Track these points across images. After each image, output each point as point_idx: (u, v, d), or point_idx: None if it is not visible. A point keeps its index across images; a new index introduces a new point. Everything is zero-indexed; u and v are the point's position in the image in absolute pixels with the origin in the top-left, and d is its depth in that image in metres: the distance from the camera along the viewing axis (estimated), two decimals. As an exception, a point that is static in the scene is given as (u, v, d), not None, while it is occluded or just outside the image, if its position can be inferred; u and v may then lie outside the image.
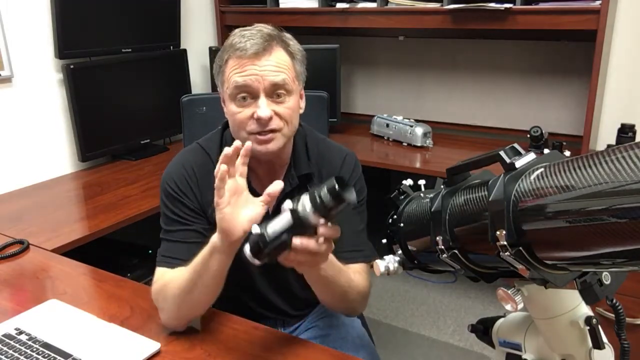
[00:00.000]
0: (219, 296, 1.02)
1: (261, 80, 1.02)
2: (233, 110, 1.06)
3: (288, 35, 1.11)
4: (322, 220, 0.81)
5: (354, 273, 1.08)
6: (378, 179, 2.77)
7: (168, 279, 1.05)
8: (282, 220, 0.83)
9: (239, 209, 0.91)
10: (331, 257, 0.95)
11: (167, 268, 1.09)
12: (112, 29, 2.33)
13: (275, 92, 1.04)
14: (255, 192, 1.16)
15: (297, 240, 0.82)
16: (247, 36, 1.03)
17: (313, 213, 0.80)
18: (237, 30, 1.07)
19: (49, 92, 2.19)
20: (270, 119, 1.03)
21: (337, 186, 0.79)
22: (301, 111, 1.14)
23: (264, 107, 1.02)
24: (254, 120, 1.04)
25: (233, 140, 1.15)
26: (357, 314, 1.26)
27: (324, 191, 0.79)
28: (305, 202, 0.81)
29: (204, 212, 1.15)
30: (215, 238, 0.94)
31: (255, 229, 0.83)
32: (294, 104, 1.08)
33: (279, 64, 1.04)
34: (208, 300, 1.04)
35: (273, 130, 1.05)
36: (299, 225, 0.82)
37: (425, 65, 2.77)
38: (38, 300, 1.21)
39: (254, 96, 1.04)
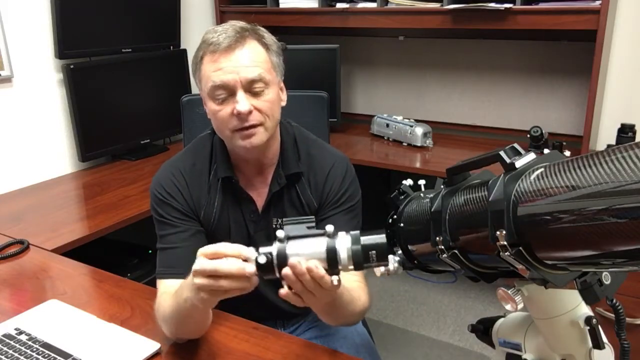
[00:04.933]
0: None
1: (237, 77, 1.02)
2: (213, 109, 1.06)
3: (262, 29, 1.10)
4: (351, 267, 0.78)
5: (355, 290, 1.04)
6: (378, 179, 2.78)
7: (160, 301, 1.03)
8: (313, 247, 0.78)
9: None
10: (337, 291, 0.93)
11: (165, 279, 1.08)
12: (112, 29, 2.33)
13: (252, 85, 1.04)
14: (242, 191, 1.16)
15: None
16: (219, 31, 1.04)
17: (349, 259, 0.77)
18: (210, 28, 1.08)
19: (49, 92, 2.19)
20: (250, 113, 1.03)
21: (387, 245, 0.77)
22: (283, 104, 1.14)
23: (242, 102, 1.02)
24: (235, 116, 1.04)
25: (223, 142, 1.15)
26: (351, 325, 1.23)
27: (372, 246, 0.77)
28: (346, 244, 0.77)
29: (196, 215, 1.15)
30: (190, 294, 0.87)
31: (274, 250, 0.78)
32: (273, 97, 1.07)
33: (254, 58, 1.04)
34: (201, 328, 1.03)
35: (254, 125, 1.05)
36: (330, 265, 0.78)
37: (425, 65, 2.77)
38: (38, 300, 1.21)
39: (232, 93, 1.03)
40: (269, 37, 1.10)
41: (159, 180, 1.15)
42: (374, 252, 0.76)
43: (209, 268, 0.80)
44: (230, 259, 0.80)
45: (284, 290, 0.80)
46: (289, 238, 0.78)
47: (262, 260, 0.77)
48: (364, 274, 1.11)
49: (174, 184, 1.14)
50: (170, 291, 1.02)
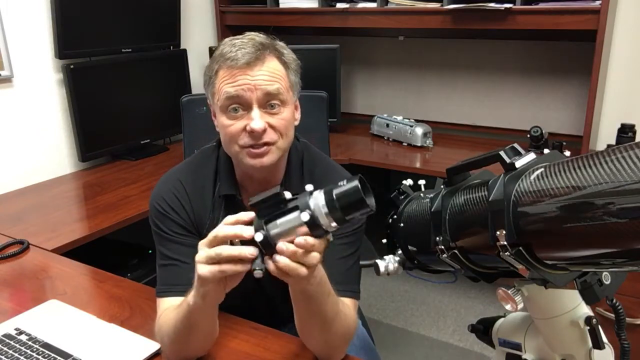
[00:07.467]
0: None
1: (254, 90, 0.97)
2: (224, 123, 1.00)
3: (282, 44, 1.05)
4: (334, 224, 0.73)
5: (343, 304, 0.97)
6: (378, 179, 2.78)
7: (161, 321, 0.98)
8: (291, 223, 0.74)
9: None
10: (323, 274, 0.87)
11: (167, 297, 1.03)
12: (112, 29, 2.33)
13: (268, 102, 0.99)
14: (246, 209, 1.10)
15: (300, 239, 0.74)
16: (238, 45, 0.98)
17: (327, 217, 0.72)
18: (227, 39, 1.02)
19: (49, 92, 2.19)
20: (264, 131, 0.98)
21: (360, 189, 0.70)
22: (296, 123, 1.09)
23: (257, 119, 0.97)
24: (247, 133, 0.99)
25: (229, 157, 1.09)
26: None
27: (345, 193, 0.71)
28: (319, 202, 0.72)
29: (198, 232, 1.09)
30: (194, 296, 0.86)
31: (259, 237, 0.75)
32: (288, 115, 1.02)
33: (273, 74, 0.99)
34: (208, 339, 0.99)
35: (267, 143, 1.00)
36: (312, 229, 0.73)
37: (425, 65, 2.77)
38: (38, 300, 1.21)
39: (246, 107, 0.98)
40: (289, 54, 1.05)
41: (160, 193, 1.09)
42: (351, 201, 0.71)
43: (212, 254, 0.78)
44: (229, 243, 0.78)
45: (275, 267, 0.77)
46: (266, 223, 0.76)
47: (259, 274, 0.76)
48: (356, 306, 1.06)
49: (176, 197, 1.08)
50: (172, 309, 0.98)
